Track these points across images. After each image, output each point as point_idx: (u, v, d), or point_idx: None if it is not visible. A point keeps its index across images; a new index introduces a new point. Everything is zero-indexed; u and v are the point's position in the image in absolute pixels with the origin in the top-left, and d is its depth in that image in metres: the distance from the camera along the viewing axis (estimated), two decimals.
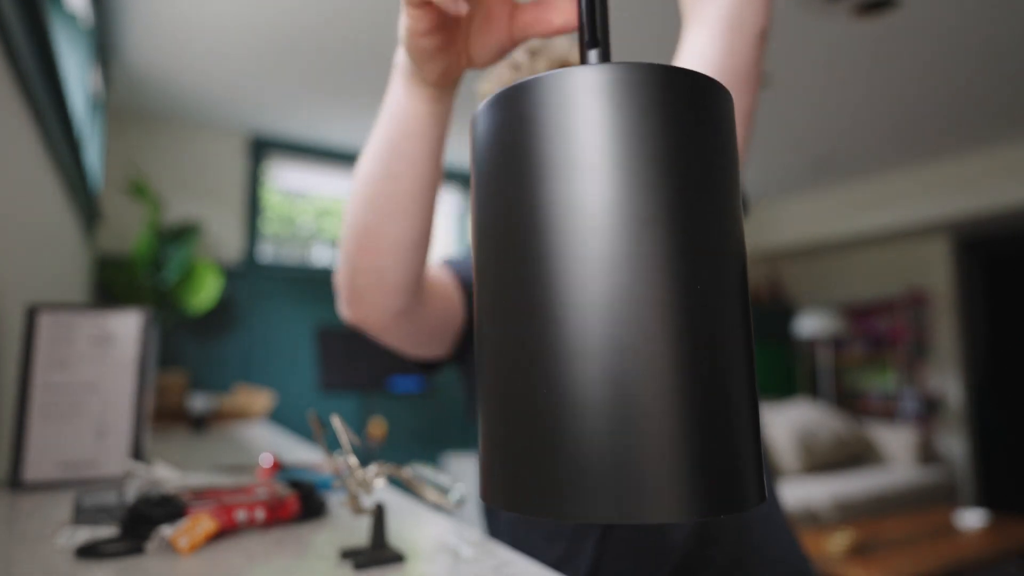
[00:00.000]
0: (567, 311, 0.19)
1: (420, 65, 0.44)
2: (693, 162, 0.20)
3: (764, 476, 0.22)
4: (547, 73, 0.20)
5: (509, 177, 0.21)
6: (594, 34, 0.25)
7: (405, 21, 0.40)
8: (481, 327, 0.23)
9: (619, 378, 0.19)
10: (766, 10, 0.63)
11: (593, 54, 0.25)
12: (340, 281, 0.61)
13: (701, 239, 0.20)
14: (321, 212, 3.67)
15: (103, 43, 2.32)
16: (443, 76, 0.46)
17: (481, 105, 0.23)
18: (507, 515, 0.82)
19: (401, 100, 0.50)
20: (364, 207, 0.55)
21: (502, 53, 0.44)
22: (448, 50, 0.43)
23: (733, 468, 0.20)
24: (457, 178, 3.92)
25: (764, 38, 0.65)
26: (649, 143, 0.20)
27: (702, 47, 0.63)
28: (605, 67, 0.20)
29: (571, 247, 0.20)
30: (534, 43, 0.80)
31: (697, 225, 0.20)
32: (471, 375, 0.85)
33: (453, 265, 0.82)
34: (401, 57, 0.48)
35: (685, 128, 0.20)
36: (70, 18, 1.76)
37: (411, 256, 0.57)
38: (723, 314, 0.20)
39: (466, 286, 0.80)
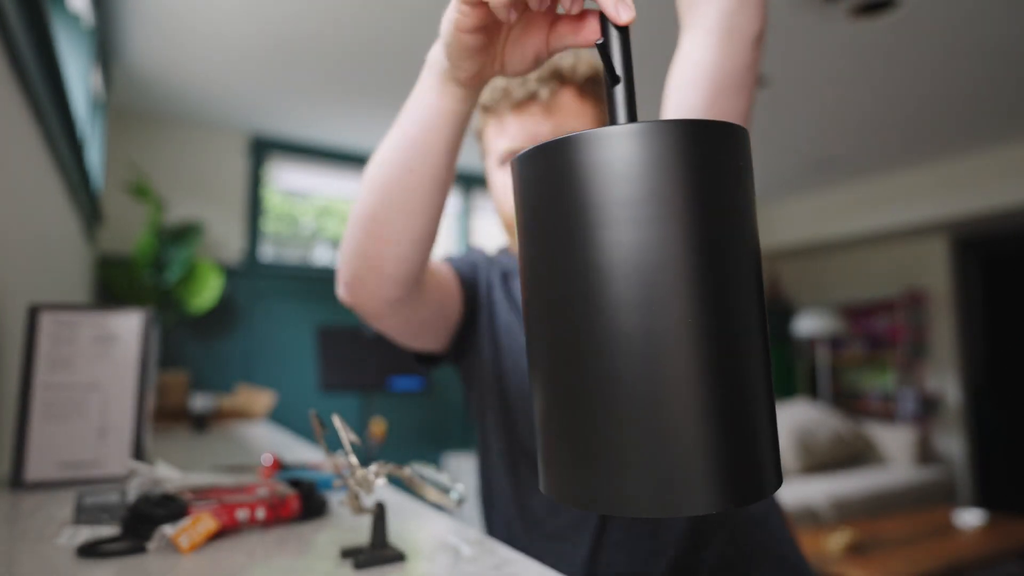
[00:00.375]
0: (612, 343, 0.23)
1: (457, 62, 0.45)
2: (719, 204, 0.23)
3: (780, 463, 0.25)
4: (586, 132, 0.23)
5: (554, 223, 0.24)
6: (612, 72, 0.28)
7: (453, 16, 0.41)
8: (534, 355, 0.26)
9: (654, 395, 0.22)
10: (760, 14, 0.64)
11: (621, 111, 0.27)
12: (342, 262, 0.62)
13: (726, 268, 0.23)
14: (322, 212, 3.67)
15: (104, 43, 2.32)
16: (475, 77, 0.46)
17: (526, 152, 0.25)
18: (504, 515, 0.82)
19: (429, 95, 0.51)
20: (376, 194, 0.56)
21: (537, 62, 0.45)
22: (487, 52, 0.44)
23: (754, 463, 0.23)
24: (456, 179, 3.92)
25: (759, 42, 0.65)
26: (679, 192, 0.23)
27: (698, 53, 0.64)
28: (636, 127, 0.23)
29: (612, 286, 0.23)
30: None
31: (722, 257, 0.23)
32: (471, 375, 0.85)
33: (454, 262, 0.83)
34: (436, 54, 0.49)
35: (710, 174, 0.23)
36: (72, 19, 1.76)
37: (414, 249, 0.58)
38: (745, 334, 0.23)
39: (465, 283, 0.81)
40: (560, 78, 0.78)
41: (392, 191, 0.55)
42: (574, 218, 0.23)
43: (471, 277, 0.83)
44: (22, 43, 0.90)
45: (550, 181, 0.24)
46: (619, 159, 0.23)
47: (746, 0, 0.62)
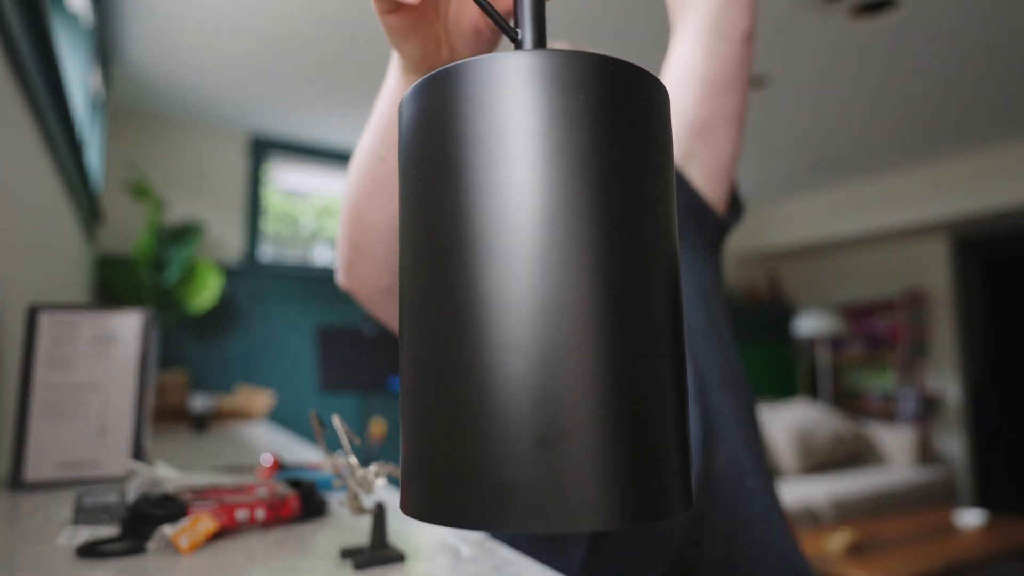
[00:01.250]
0: (490, 311, 0.18)
1: (396, 46, 0.44)
2: (621, 154, 0.19)
3: (691, 482, 0.21)
4: (476, 57, 0.19)
5: (433, 165, 0.20)
6: (516, 15, 0.24)
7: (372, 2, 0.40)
8: (402, 326, 0.21)
9: (543, 385, 0.18)
10: (749, 11, 0.64)
11: (527, 38, 0.23)
12: (338, 251, 0.63)
13: (629, 237, 0.19)
14: (321, 212, 3.67)
15: (104, 43, 2.32)
16: (423, 61, 0.45)
17: (409, 89, 0.21)
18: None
19: (390, 85, 0.51)
20: (355, 184, 0.57)
21: (479, 37, 0.42)
22: (421, 33, 0.43)
23: (658, 478, 0.19)
24: None
25: (749, 40, 0.65)
26: (576, 133, 0.19)
27: (687, 52, 0.64)
28: (535, 53, 0.19)
29: (495, 241, 0.18)
30: None
31: (624, 221, 0.19)
32: None
33: None
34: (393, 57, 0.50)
35: (614, 118, 0.19)
36: (72, 18, 1.76)
37: (393, 237, 0.58)
38: (651, 318, 0.19)
39: None
40: None
41: (367, 180, 0.56)
42: (452, 161, 0.19)
43: None
44: (21, 43, 0.90)
45: (426, 118, 0.20)
46: (502, 91, 0.19)
47: None
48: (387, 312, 0.67)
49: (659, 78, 0.29)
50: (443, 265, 0.19)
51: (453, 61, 0.42)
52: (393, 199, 0.56)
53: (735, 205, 0.74)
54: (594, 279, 0.18)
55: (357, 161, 0.57)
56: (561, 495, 0.18)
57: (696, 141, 0.68)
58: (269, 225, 3.44)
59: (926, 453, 4.03)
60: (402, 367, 0.21)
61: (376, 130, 0.54)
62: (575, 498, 0.18)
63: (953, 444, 4.20)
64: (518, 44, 0.23)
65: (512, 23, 0.23)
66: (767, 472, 0.79)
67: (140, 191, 2.61)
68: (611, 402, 0.18)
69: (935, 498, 3.73)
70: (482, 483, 0.18)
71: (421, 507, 0.19)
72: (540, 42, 0.22)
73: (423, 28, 0.42)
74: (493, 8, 0.24)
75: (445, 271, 0.19)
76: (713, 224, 0.72)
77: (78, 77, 1.78)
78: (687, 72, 0.65)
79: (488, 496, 0.18)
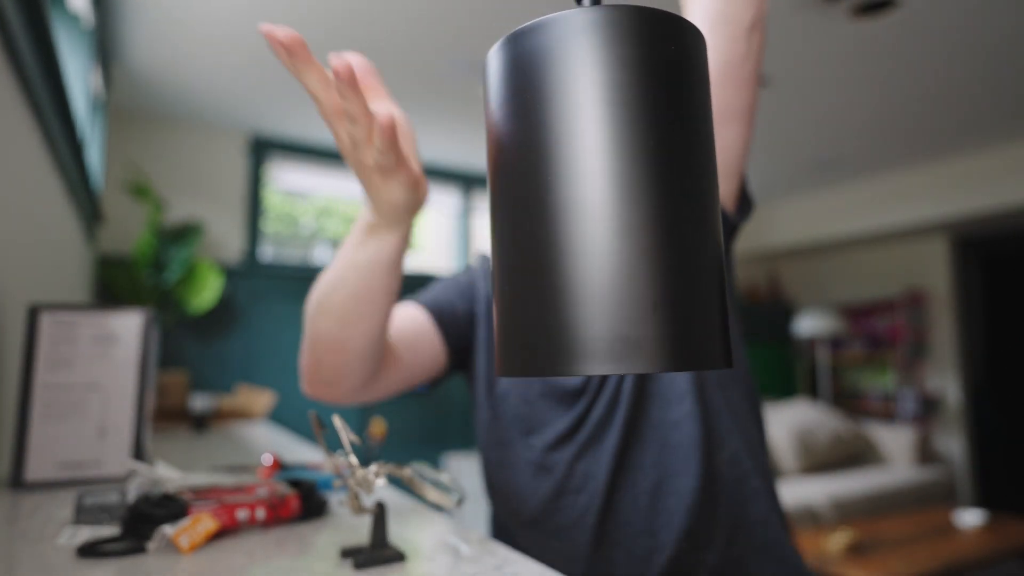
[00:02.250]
0: (569, 209, 0.23)
1: (377, 196, 0.52)
2: (666, 86, 0.24)
3: (730, 347, 0.26)
4: (543, 18, 0.24)
5: (517, 107, 0.25)
6: None
7: (372, 170, 0.49)
8: (496, 228, 0.26)
9: (612, 259, 0.23)
10: (754, 1, 0.62)
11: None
12: (304, 368, 0.66)
13: (676, 150, 0.24)
14: (322, 212, 3.67)
15: (104, 44, 2.32)
16: (400, 207, 0.53)
17: (494, 47, 0.26)
18: (505, 513, 0.82)
19: (367, 250, 0.57)
20: (334, 322, 0.60)
21: (419, 187, 0.53)
22: (401, 176, 0.51)
23: (703, 331, 0.24)
24: (457, 178, 3.92)
25: (757, 30, 0.63)
26: (628, 71, 0.23)
27: None
28: (592, 8, 0.24)
29: (570, 159, 0.23)
30: None
31: (672, 138, 0.24)
32: (470, 375, 0.86)
33: (429, 303, 0.82)
34: (364, 218, 0.57)
35: (661, 56, 0.24)
36: (72, 19, 1.76)
37: (374, 352, 0.63)
38: (696, 213, 0.24)
39: (444, 319, 0.81)
40: None
41: (350, 319, 0.60)
42: (528, 103, 0.25)
43: (452, 310, 0.83)
44: (22, 43, 0.90)
45: (509, 69, 0.26)
46: (570, 43, 0.24)
47: None
48: (367, 399, 0.72)
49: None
50: (534, 174, 0.24)
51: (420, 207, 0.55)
52: (377, 321, 0.60)
53: (744, 202, 0.73)
54: (648, 180, 0.23)
55: (334, 301, 0.59)
56: (626, 342, 0.23)
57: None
58: (269, 225, 3.44)
59: (926, 453, 4.03)
60: (496, 263, 0.26)
61: (359, 266, 0.58)
62: (637, 344, 0.23)
63: (953, 444, 4.20)
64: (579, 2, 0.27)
65: None
66: (769, 473, 0.79)
67: (140, 191, 2.61)
68: (663, 271, 0.23)
69: (935, 498, 3.73)
70: (564, 337, 0.23)
71: (519, 364, 0.24)
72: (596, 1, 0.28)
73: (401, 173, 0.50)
74: None
75: (537, 177, 0.24)
76: (722, 222, 0.72)
77: (79, 77, 1.78)
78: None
79: (568, 347, 0.23)
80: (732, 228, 0.73)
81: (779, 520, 0.77)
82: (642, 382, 0.74)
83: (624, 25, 0.23)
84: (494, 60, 0.26)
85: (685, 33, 0.25)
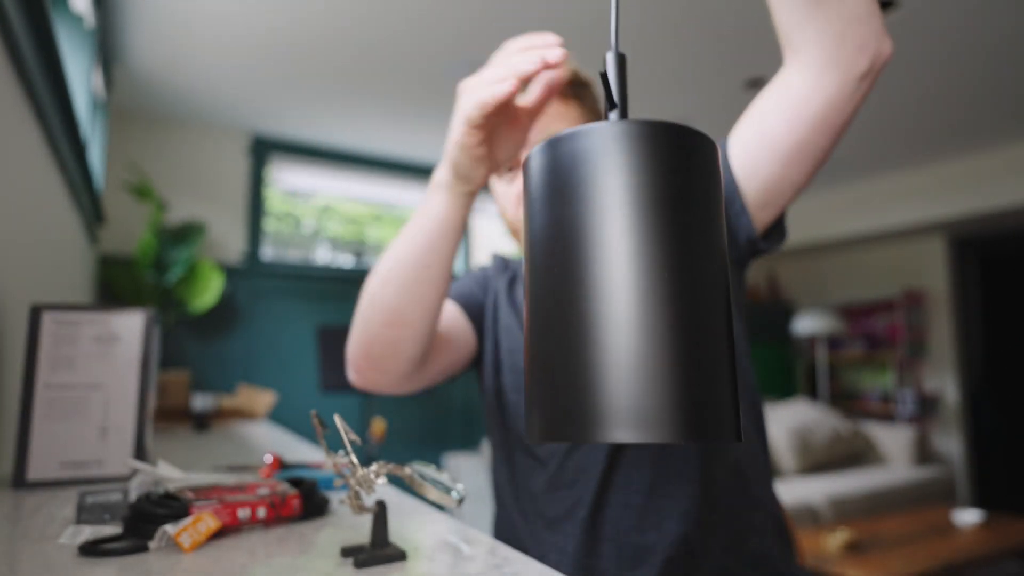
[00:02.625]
0: (597, 298, 0.27)
1: (469, 174, 0.54)
2: (681, 193, 0.28)
3: (739, 421, 0.29)
4: (586, 126, 0.28)
5: (553, 202, 0.29)
6: (611, 98, 0.35)
7: (460, 140, 0.50)
8: (533, 308, 0.30)
9: (634, 339, 0.26)
10: (872, 49, 0.59)
11: (612, 114, 0.33)
12: (355, 351, 0.69)
13: (691, 247, 0.28)
14: (323, 212, 3.67)
15: (106, 44, 2.33)
16: (484, 179, 0.55)
17: (535, 148, 0.30)
18: (507, 507, 0.83)
19: (440, 208, 0.60)
20: (396, 290, 0.63)
21: (518, 153, 0.55)
22: (491, 156, 0.53)
23: (715, 408, 0.27)
24: None
25: (867, 80, 0.60)
26: (648, 180, 0.28)
27: (794, 77, 0.62)
28: (617, 123, 0.28)
29: (597, 254, 0.27)
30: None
31: (686, 237, 0.28)
32: (480, 373, 0.88)
33: (455, 295, 0.86)
34: (443, 176, 0.58)
35: (676, 170, 0.28)
36: (75, 19, 1.76)
37: (428, 331, 0.66)
38: (709, 300, 0.28)
39: (472, 313, 0.85)
40: None
41: (411, 286, 0.63)
42: (563, 198, 0.29)
43: (476, 300, 0.87)
44: (24, 44, 0.90)
45: (547, 169, 0.30)
46: (599, 150, 0.28)
47: (858, 29, 0.57)
48: (409, 389, 0.74)
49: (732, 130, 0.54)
50: (567, 265, 0.28)
51: (494, 172, 0.61)
52: (434, 296, 0.64)
53: (777, 232, 0.73)
54: (668, 272, 0.27)
55: (397, 271, 0.63)
56: (643, 414, 0.26)
57: (773, 165, 0.66)
58: (270, 225, 3.44)
59: (924, 453, 4.04)
60: (533, 336, 0.29)
61: (423, 244, 0.61)
62: (653, 415, 0.26)
63: (951, 444, 4.20)
64: (612, 107, 0.33)
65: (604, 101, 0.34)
66: (771, 484, 0.79)
67: (142, 192, 2.62)
68: (679, 350, 0.26)
69: (933, 498, 3.73)
70: (587, 406, 0.26)
71: (545, 430, 0.28)
72: (624, 114, 0.33)
73: (493, 154, 0.53)
74: (607, 82, 0.34)
75: (569, 268, 0.28)
76: (747, 244, 0.72)
77: (80, 78, 1.79)
78: (786, 97, 0.62)
79: (589, 415, 0.26)
80: (755, 252, 0.73)
81: (780, 528, 0.77)
82: None
83: (646, 138, 0.28)
84: (535, 160, 0.30)
85: (700, 144, 0.29)
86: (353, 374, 0.71)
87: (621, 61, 0.35)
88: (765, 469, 0.78)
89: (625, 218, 0.27)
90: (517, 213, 0.81)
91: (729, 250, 0.75)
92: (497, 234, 4.09)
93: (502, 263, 0.95)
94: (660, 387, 0.26)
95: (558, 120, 0.81)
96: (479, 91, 0.50)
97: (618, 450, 0.73)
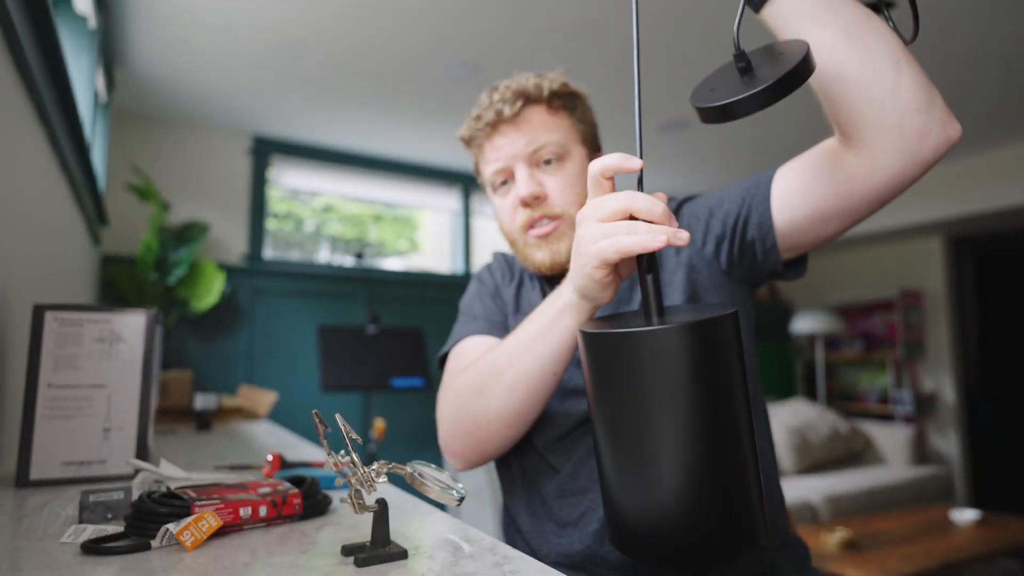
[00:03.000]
0: (657, 460, 0.37)
1: (598, 296, 0.57)
2: (712, 379, 0.38)
3: (764, 523, 0.38)
4: (636, 329, 0.39)
5: (611, 386, 0.40)
6: (649, 309, 0.47)
7: (592, 274, 0.53)
8: (608, 470, 0.41)
9: (688, 489, 0.36)
10: (936, 137, 0.56)
11: (655, 320, 0.44)
12: (466, 446, 0.73)
13: (722, 418, 0.37)
14: (324, 212, 3.68)
15: (108, 45, 2.33)
16: (610, 298, 0.58)
17: (589, 332, 0.42)
18: (517, 506, 0.83)
19: (572, 324, 0.62)
20: (523, 398, 0.68)
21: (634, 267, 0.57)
22: (617, 278, 0.56)
23: (751, 529, 0.36)
24: (457, 179, 3.93)
25: (931, 164, 0.58)
26: (685, 371, 0.38)
27: (846, 158, 0.61)
28: (652, 330, 0.38)
29: (651, 428, 0.38)
30: (497, 85, 0.86)
31: (719, 411, 0.38)
32: None
33: (485, 331, 0.86)
34: (570, 297, 0.61)
35: (707, 358, 0.38)
36: (79, 20, 1.76)
37: (530, 421, 0.72)
38: (737, 448, 0.37)
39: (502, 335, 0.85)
40: (526, 97, 0.82)
41: (538, 394, 0.68)
42: (616, 383, 0.39)
43: (502, 324, 0.88)
44: (27, 44, 0.90)
45: (605, 357, 0.41)
46: (646, 349, 0.38)
47: (917, 119, 0.55)
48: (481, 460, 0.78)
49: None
50: (632, 435, 0.40)
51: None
52: (545, 398, 0.69)
53: (799, 265, 0.74)
54: (706, 435, 0.38)
55: (526, 380, 0.67)
56: (699, 544, 0.37)
57: (812, 223, 0.66)
58: (272, 225, 3.44)
59: (922, 452, 4.04)
60: (613, 487, 0.41)
61: (552, 355, 0.65)
62: (706, 544, 0.37)
63: (949, 443, 4.21)
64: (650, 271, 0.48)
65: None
66: (783, 503, 0.80)
67: (144, 192, 2.62)
68: (724, 497, 0.38)
69: (931, 497, 3.74)
70: (662, 542, 0.39)
71: (633, 549, 0.40)
72: (661, 315, 0.46)
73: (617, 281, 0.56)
74: (650, 294, 0.48)
75: (636, 438, 0.40)
76: (770, 275, 0.73)
77: (83, 79, 1.79)
78: (839, 172, 0.61)
79: (665, 548, 0.39)
80: (772, 276, 0.74)
81: (788, 553, 0.77)
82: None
83: (683, 338, 0.38)
84: (594, 343, 0.42)
85: (724, 329, 0.39)
86: (456, 462, 0.75)
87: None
88: (778, 489, 0.79)
89: (677, 402, 0.37)
90: (512, 223, 0.84)
91: (750, 276, 0.76)
92: (496, 234, 4.10)
93: (504, 263, 0.95)
94: (708, 527, 0.35)
95: (544, 131, 0.81)
96: (622, 238, 0.49)
97: None
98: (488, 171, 0.85)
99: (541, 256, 0.82)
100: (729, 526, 0.34)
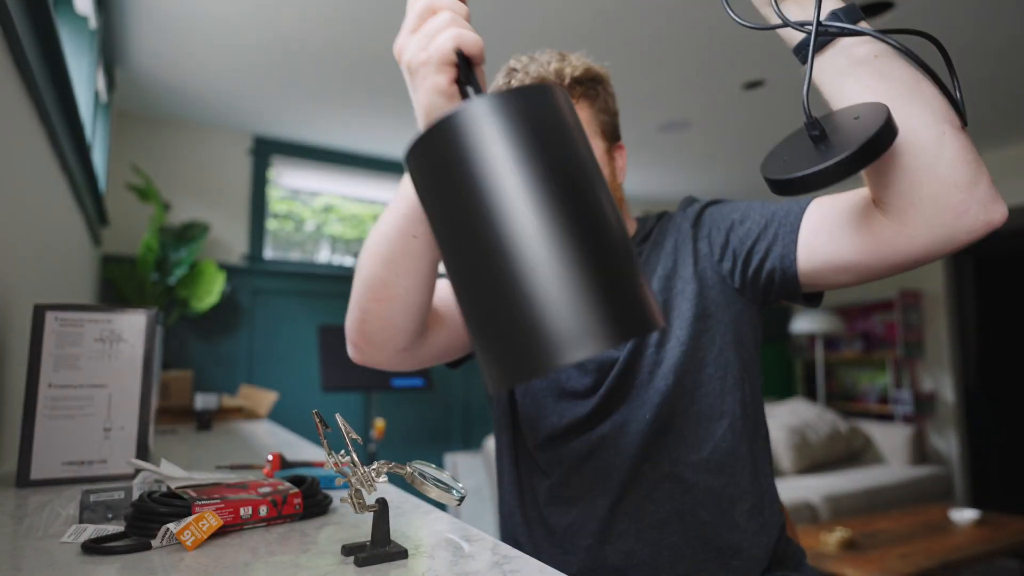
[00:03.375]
0: (503, 241, 0.30)
1: (438, 108, 0.51)
2: (552, 149, 0.32)
3: (652, 310, 0.32)
4: (452, 109, 0.32)
5: (443, 176, 0.33)
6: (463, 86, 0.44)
7: (435, 82, 0.48)
8: (451, 267, 0.33)
9: (545, 271, 0.29)
10: (975, 217, 0.54)
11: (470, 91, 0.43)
12: (351, 327, 0.67)
13: (568, 178, 0.32)
14: (324, 212, 3.68)
15: (109, 46, 2.33)
16: None
17: (412, 141, 0.34)
18: (513, 514, 0.82)
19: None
20: (382, 263, 0.61)
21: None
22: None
23: (627, 304, 0.30)
24: None
25: (967, 244, 0.55)
26: (515, 138, 0.31)
27: (879, 220, 0.58)
28: (475, 103, 0.32)
29: (504, 213, 0.31)
30: (513, 63, 0.81)
31: (567, 176, 0.32)
32: None
33: None
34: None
35: (532, 119, 0.32)
36: (80, 20, 1.76)
37: (419, 302, 0.64)
38: (594, 216, 0.31)
39: None
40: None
41: (398, 259, 0.61)
42: (452, 173, 0.32)
43: None
44: (27, 45, 0.90)
45: (429, 161, 0.33)
46: (473, 126, 0.31)
47: (956, 195, 0.52)
48: (406, 366, 0.73)
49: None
50: (473, 215, 0.31)
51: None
52: (422, 268, 0.61)
53: (815, 297, 0.73)
54: (553, 200, 0.31)
55: (382, 245, 0.61)
56: (569, 334, 0.29)
57: (833, 272, 0.65)
58: (272, 225, 3.45)
59: (921, 452, 4.04)
60: (458, 295, 0.33)
61: (407, 214, 0.59)
62: (579, 332, 0.29)
63: (948, 443, 4.21)
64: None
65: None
66: (786, 525, 0.79)
67: (144, 193, 2.62)
68: (585, 267, 0.30)
69: (930, 496, 3.74)
70: (525, 344, 0.30)
71: (501, 379, 0.31)
72: (479, 91, 0.43)
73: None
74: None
75: (475, 215, 0.31)
76: (786, 296, 0.72)
77: (83, 79, 1.79)
78: (867, 231, 0.59)
79: (526, 354, 0.30)
80: (788, 297, 0.72)
81: (798, 562, 0.77)
82: (659, 424, 0.73)
83: (504, 106, 0.31)
84: (414, 151, 0.34)
85: (552, 94, 0.33)
86: (352, 351, 0.69)
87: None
88: (779, 509, 0.78)
89: (518, 185, 0.31)
90: None
91: (762, 296, 0.74)
92: None
93: None
94: (586, 306, 0.29)
95: None
96: (452, 29, 0.46)
97: (630, 481, 0.72)
98: None
99: None
100: (616, 307, 0.29)
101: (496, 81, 0.82)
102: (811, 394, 5.02)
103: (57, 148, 1.23)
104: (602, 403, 0.75)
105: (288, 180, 3.50)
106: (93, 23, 1.83)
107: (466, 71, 0.46)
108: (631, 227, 0.84)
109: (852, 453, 4.00)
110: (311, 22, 2.26)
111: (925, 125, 0.52)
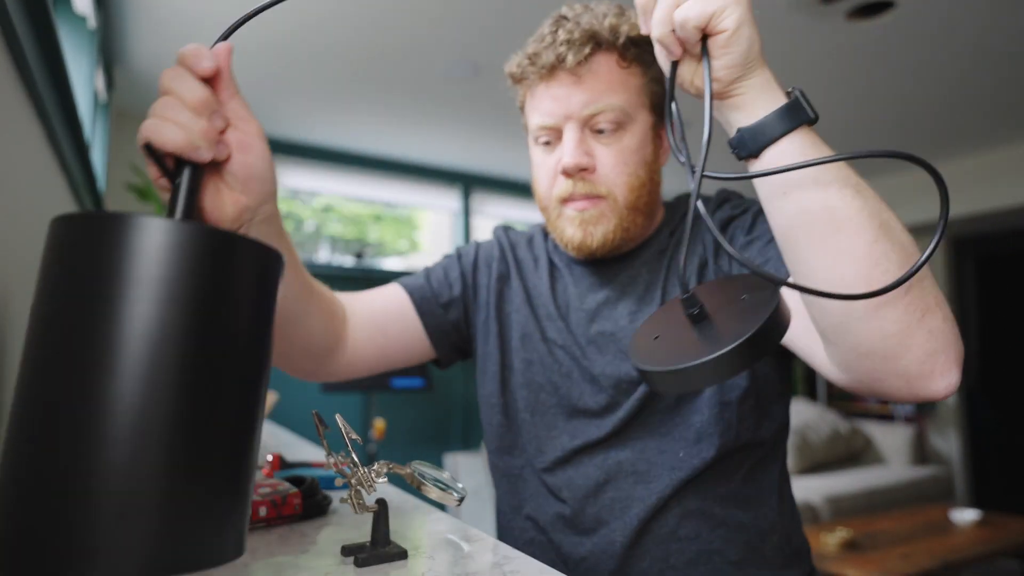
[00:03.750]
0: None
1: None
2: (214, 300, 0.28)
3: (243, 534, 0.28)
4: (124, 216, 0.28)
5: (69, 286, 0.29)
6: (174, 208, 0.36)
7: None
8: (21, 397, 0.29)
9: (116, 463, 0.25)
10: (935, 358, 0.46)
11: (180, 203, 0.35)
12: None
13: (203, 353, 0.27)
14: (324, 212, 3.68)
15: (108, 45, 2.33)
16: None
17: (60, 218, 0.30)
18: (516, 538, 0.79)
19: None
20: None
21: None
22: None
23: (207, 532, 0.25)
24: (457, 178, 3.93)
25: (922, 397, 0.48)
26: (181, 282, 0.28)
27: (820, 355, 0.57)
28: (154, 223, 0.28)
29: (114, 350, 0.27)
30: (565, 9, 0.72)
31: (205, 349, 0.27)
32: (483, 373, 0.82)
33: (408, 286, 0.80)
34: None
35: (215, 277, 0.28)
36: (78, 20, 1.76)
37: (313, 339, 0.66)
38: (214, 408, 0.26)
39: (424, 304, 0.79)
40: (596, 40, 0.66)
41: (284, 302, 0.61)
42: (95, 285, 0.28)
43: (437, 296, 0.80)
44: (26, 44, 0.90)
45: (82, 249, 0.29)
46: (144, 247, 0.27)
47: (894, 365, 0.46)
48: (325, 378, 0.75)
49: None
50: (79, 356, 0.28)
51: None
52: (292, 320, 0.62)
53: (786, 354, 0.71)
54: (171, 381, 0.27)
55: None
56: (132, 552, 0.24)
57: (795, 348, 0.65)
58: None
59: (922, 452, 4.04)
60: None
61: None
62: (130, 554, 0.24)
63: (949, 443, 4.21)
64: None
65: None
66: (808, 552, 0.75)
67: (144, 193, 2.62)
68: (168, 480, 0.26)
69: (931, 497, 3.74)
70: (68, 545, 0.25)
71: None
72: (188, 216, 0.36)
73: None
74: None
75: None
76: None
77: (83, 79, 1.79)
78: (810, 353, 0.59)
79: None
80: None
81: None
82: (694, 459, 0.68)
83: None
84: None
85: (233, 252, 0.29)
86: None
87: (195, 172, 0.36)
88: (802, 535, 0.75)
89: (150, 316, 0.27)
90: (549, 190, 0.72)
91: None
92: None
93: (500, 247, 0.84)
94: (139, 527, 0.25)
95: (607, 89, 0.67)
96: (157, 124, 0.40)
97: (653, 516, 0.67)
98: (534, 122, 0.71)
99: (572, 232, 0.70)
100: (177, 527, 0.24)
101: (542, 30, 0.71)
102: (812, 394, 5.02)
103: (56, 147, 1.23)
104: (621, 426, 0.69)
105: (287, 180, 3.50)
106: (92, 23, 1.83)
107: (162, 166, 0.39)
108: (659, 214, 0.77)
109: (853, 453, 4.00)
110: (311, 22, 2.25)
111: (840, 279, 0.45)
